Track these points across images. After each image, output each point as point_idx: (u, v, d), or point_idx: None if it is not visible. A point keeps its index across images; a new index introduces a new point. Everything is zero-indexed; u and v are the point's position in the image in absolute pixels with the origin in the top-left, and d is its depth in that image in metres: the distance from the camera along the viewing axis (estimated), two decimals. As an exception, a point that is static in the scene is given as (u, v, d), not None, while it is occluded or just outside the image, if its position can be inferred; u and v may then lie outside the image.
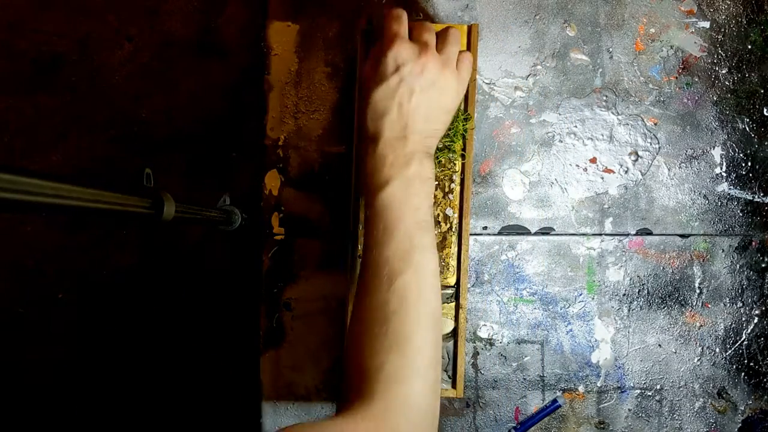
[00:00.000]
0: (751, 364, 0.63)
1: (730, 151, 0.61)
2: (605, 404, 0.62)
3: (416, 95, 0.45)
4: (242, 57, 1.25)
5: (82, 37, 1.24)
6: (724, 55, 0.61)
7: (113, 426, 1.26)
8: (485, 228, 0.61)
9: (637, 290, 0.62)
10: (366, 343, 0.42)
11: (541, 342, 0.62)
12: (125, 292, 1.26)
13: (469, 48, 0.55)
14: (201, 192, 1.25)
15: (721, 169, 0.62)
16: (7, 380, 1.26)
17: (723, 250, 0.62)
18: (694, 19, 0.61)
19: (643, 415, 0.62)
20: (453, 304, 0.57)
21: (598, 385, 0.62)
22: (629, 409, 0.62)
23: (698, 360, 0.62)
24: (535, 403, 0.62)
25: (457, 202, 0.56)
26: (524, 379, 0.62)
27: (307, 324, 0.61)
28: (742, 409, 0.63)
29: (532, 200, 0.61)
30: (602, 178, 0.61)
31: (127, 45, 1.24)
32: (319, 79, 0.60)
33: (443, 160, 0.55)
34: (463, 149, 0.55)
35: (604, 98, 0.61)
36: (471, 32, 0.54)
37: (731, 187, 0.62)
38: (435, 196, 0.55)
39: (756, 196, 0.62)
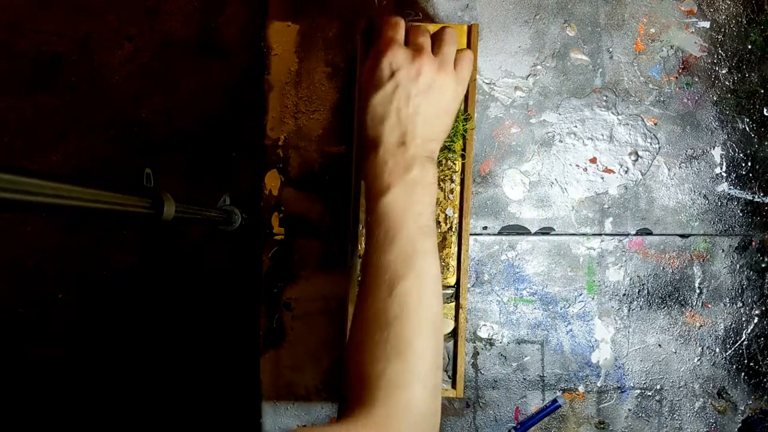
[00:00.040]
0: (751, 364, 0.63)
1: (730, 151, 0.61)
2: (605, 404, 0.62)
3: (413, 99, 0.45)
4: (242, 57, 1.25)
5: (82, 37, 1.24)
6: (724, 55, 0.61)
7: (113, 426, 1.26)
8: (485, 228, 0.61)
9: (637, 290, 0.62)
10: (367, 349, 0.42)
11: (541, 342, 0.62)
12: (125, 292, 1.26)
13: (468, 48, 0.55)
14: (201, 192, 1.25)
15: (721, 169, 0.62)
16: (7, 380, 1.26)
17: (723, 250, 0.62)
18: (694, 19, 0.61)
19: (643, 415, 0.62)
20: (453, 304, 0.57)
21: (598, 385, 0.62)
22: (629, 409, 0.62)
23: (698, 360, 0.62)
24: (535, 403, 0.62)
25: (457, 202, 0.56)
26: (524, 379, 0.62)
27: (307, 324, 0.61)
28: (742, 409, 0.63)
29: (532, 200, 0.61)
30: (602, 178, 0.61)
31: (127, 45, 1.24)
32: (319, 79, 0.60)
33: (443, 160, 0.55)
34: (463, 149, 0.55)
35: (604, 98, 0.61)
36: (471, 32, 0.54)
37: (731, 187, 0.62)
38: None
39: (756, 196, 0.62)
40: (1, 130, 1.24)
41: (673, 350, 0.62)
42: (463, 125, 0.55)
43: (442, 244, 0.56)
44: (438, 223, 0.55)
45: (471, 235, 0.60)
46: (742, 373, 0.63)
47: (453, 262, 0.56)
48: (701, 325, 0.62)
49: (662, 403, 0.62)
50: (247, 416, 1.26)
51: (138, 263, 1.26)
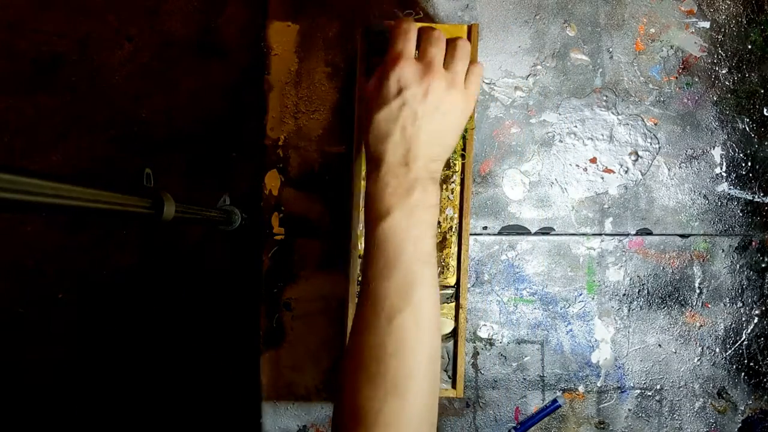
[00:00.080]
0: (751, 364, 0.63)
1: (730, 151, 0.62)
2: (605, 404, 0.62)
3: (420, 119, 0.44)
4: (242, 57, 1.25)
5: (82, 37, 1.24)
6: (724, 55, 0.61)
7: (113, 426, 1.26)
8: (485, 228, 0.61)
9: (637, 290, 0.62)
10: (363, 382, 0.41)
11: (541, 342, 0.62)
12: (125, 292, 1.26)
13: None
14: (201, 192, 1.25)
15: (721, 169, 0.62)
16: (7, 380, 1.26)
17: (723, 250, 0.62)
18: (694, 19, 0.61)
19: (643, 415, 0.62)
20: (453, 304, 0.57)
21: (598, 385, 0.62)
22: (629, 409, 0.62)
23: (698, 360, 0.62)
24: (535, 403, 0.62)
25: (457, 202, 0.56)
26: (524, 379, 0.62)
27: (307, 324, 0.61)
28: (742, 409, 0.63)
29: (532, 200, 0.61)
30: (602, 178, 0.61)
31: (127, 45, 1.24)
32: (319, 79, 0.60)
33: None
34: (463, 149, 0.55)
35: (604, 98, 0.61)
36: (471, 32, 0.54)
37: (731, 187, 0.62)
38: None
39: (756, 196, 0.62)
40: (1, 130, 1.24)
41: (673, 350, 0.62)
42: (463, 125, 0.55)
43: (442, 244, 0.56)
44: (438, 223, 0.55)
45: (471, 235, 0.60)
46: (742, 373, 0.63)
47: (453, 262, 0.56)
48: (701, 325, 0.62)
49: (662, 403, 0.62)
50: (247, 416, 1.26)
51: (138, 263, 1.26)
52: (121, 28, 1.24)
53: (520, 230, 0.61)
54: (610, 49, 0.61)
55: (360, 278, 0.55)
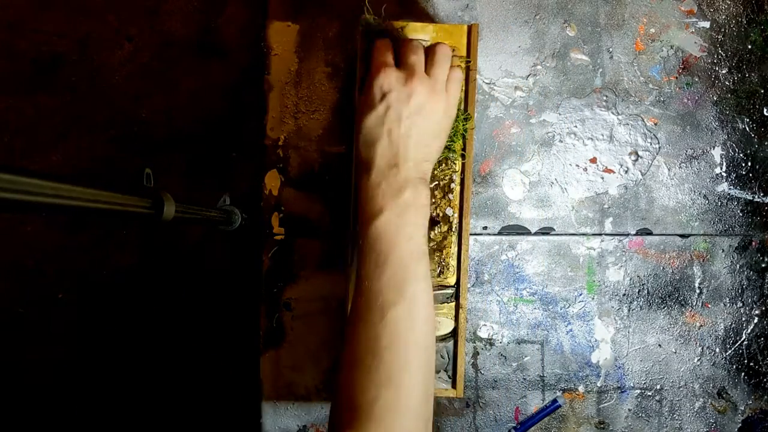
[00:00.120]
0: (751, 364, 0.63)
1: (730, 151, 0.61)
2: (605, 404, 0.62)
3: (405, 121, 0.45)
4: (242, 57, 1.25)
5: (82, 37, 1.24)
6: (724, 55, 0.61)
7: (113, 426, 1.26)
8: (485, 228, 0.61)
9: (637, 290, 0.62)
10: (358, 375, 0.41)
11: (541, 342, 0.62)
12: (125, 292, 1.26)
13: (469, 48, 0.55)
14: (201, 192, 1.25)
15: (721, 169, 0.62)
16: (7, 380, 1.26)
17: (723, 250, 0.62)
18: (694, 19, 0.61)
19: (643, 415, 0.62)
20: (453, 304, 0.57)
21: (598, 385, 0.62)
22: (629, 409, 0.62)
23: (698, 360, 0.62)
24: (535, 403, 0.62)
25: (457, 202, 0.56)
26: (524, 379, 0.62)
27: (307, 324, 0.61)
28: (742, 409, 0.63)
29: (532, 200, 0.61)
30: (602, 178, 0.61)
31: (127, 45, 1.24)
32: (319, 79, 0.60)
33: (443, 160, 0.55)
34: (463, 149, 0.55)
35: (604, 98, 0.61)
36: (471, 32, 0.54)
37: (731, 187, 0.62)
38: (434, 196, 0.55)
39: (756, 196, 0.62)
40: (1, 130, 1.24)
41: (673, 350, 0.62)
42: (463, 125, 0.55)
43: (442, 244, 0.55)
44: (438, 223, 0.55)
45: (471, 235, 0.60)
46: (742, 373, 0.63)
47: (453, 262, 0.56)
48: (701, 325, 0.62)
49: (662, 403, 0.62)
50: (247, 416, 1.26)
51: (138, 263, 1.26)
52: (121, 28, 1.24)
53: (520, 230, 0.61)
54: (610, 49, 0.61)
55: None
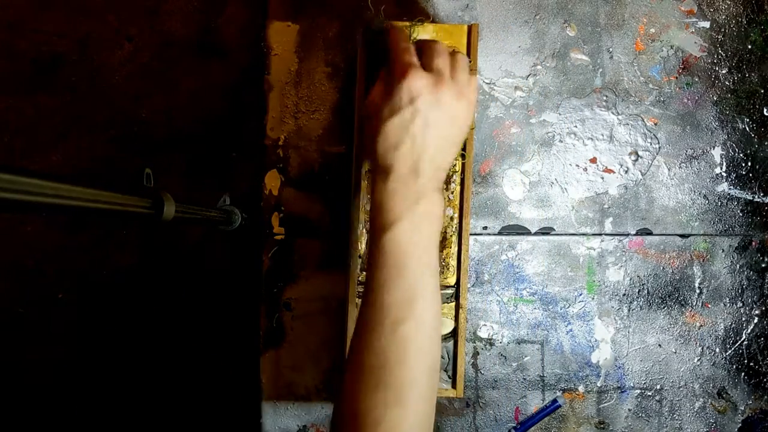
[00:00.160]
0: (751, 364, 0.63)
1: (730, 151, 0.62)
2: (605, 404, 0.62)
3: (431, 128, 0.44)
4: (242, 57, 1.25)
5: (82, 37, 1.24)
6: (724, 55, 0.61)
7: (113, 426, 1.26)
8: (485, 228, 0.61)
9: (637, 290, 0.62)
10: (365, 391, 0.41)
11: (541, 342, 0.62)
12: (125, 292, 1.26)
13: (469, 48, 0.55)
14: (201, 192, 1.25)
15: (721, 169, 0.62)
16: (7, 380, 1.26)
17: (723, 250, 0.62)
18: (694, 19, 0.61)
19: (643, 415, 0.62)
20: (453, 304, 0.57)
21: (598, 385, 0.62)
22: (629, 409, 0.62)
23: (698, 360, 0.62)
24: (535, 403, 0.62)
25: (457, 202, 0.56)
26: (524, 379, 0.62)
27: (307, 324, 0.61)
28: (742, 409, 0.63)
29: (532, 200, 0.61)
30: (602, 178, 0.61)
31: (127, 45, 1.24)
32: (319, 79, 0.60)
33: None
34: (463, 149, 0.55)
35: (604, 98, 0.61)
36: (471, 32, 0.54)
37: (731, 187, 0.62)
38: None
39: (756, 196, 0.62)
40: (1, 130, 1.24)
41: (673, 350, 0.62)
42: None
43: (442, 244, 0.56)
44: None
45: (471, 235, 0.60)
46: (742, 373, 0.63)
47: (453, 262, 0.56)
48: (701, 325, 0.62)
49: (662, 403, 0.62)
50: (247, 416, 1.26)
51: (138, 263, 1.26)
52: (121, 28, 1.24)
53: (520, 230, 0.61)
54: (610, 49, 0.61)
55: (360, 279, 0.55)
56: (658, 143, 0.61)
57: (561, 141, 0.61)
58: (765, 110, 0.61)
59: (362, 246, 0.56)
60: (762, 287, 0.62)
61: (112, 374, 1.26)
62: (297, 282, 0.60)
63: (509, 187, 0.61)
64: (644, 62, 0.61)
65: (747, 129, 0.61)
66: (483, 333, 0.62)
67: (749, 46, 0.61)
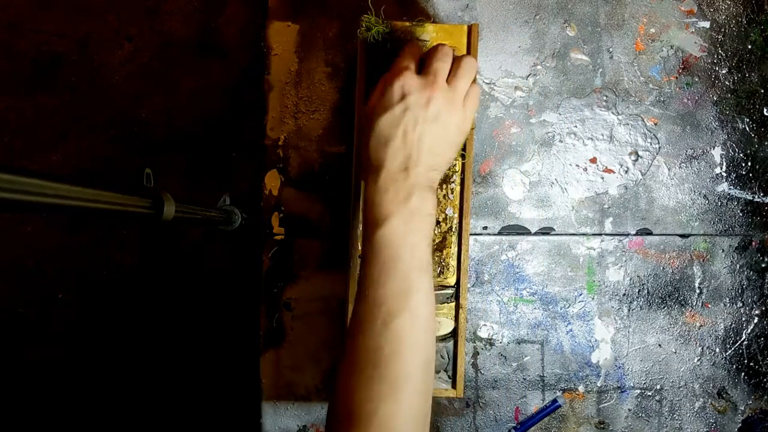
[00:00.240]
0: (751, 364, 0.63)
1: (730, 151, 0.62)
2: (605, 404, 0.62)
3: (420, 125, 0.45)
4: (242, 57, 1.25)
5: (82, 37, 1.24)
6: (724, 55, 0.61)
7: (113, 426, 1.26)
8: (485, 228, 0.61)
9: (637, 290, 0.62)
10: (359, 385, 0.41)
11: (541, 342, 0.62)
12: (125, 292, 1.26)
13: (469, 48, 0.55)
14: (201, 192, 1.25)
15: (721, 169, 0.62)
16: (7, 380, 1.26)
17: (723, 250, 0.62)
18: (694, 19, 0.61)
19: (643, 415, 0.62)
20: (453, 304, 0.57)
21: (598, 385, 0.62)
22: (629, 409, 0.62)
23: (698, 360, 0.62)
24: (535, 403, 0.62)
25: (457, 202, 0.56)
26: (524, 379, 0.62)
27: (307, 324, 0.61)
28: (742, 409, 0.63)
29: (532, 200, 0.61)
30: (602, 178, 0.61)
31: (127, 45, 1.24)
32: (319, 79, 0.60)
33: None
34: (463, 149, 0.55)
35: (604, 98, 0.61)
36: (471, 32, 0.54)
37: (731, 187, 0.62)
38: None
39: (756, 196, 0.62)
40: (1, 130, 1.24)
41: (673, 350, 0.62)
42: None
43: (442, 244, 0.56)
44: (438, 222, 0.55)
45: (471, 235, 0.60)
46: (742, 373, 0.63)
47: (453, 262, 0.56)
48: (701, 325, 0.62)
49: (662, 403, 0.62)
50: (247, 416, 1.26)
51: (138, 263, 1.26)
52: (121, 28, 1.24)
53: (520, 230, 0.61)
54: (610, 49, 0.61)
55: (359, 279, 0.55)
56: (658, 143, 0.61)
57: (561, 141, 0.61)
58: (765, 110, 0.61)
59: (362, 246, 0.56)
60: (762, 287, 0.62)
61: (112, 374, 1.26)
62: (297, 282, 0.60)
63: (509, 187, 0.61)
64: (644, 62, 0.61)
65: (747, 129, 0.61)
66: (483, 333, 0.62)
67: (749, 46, 0.61)
